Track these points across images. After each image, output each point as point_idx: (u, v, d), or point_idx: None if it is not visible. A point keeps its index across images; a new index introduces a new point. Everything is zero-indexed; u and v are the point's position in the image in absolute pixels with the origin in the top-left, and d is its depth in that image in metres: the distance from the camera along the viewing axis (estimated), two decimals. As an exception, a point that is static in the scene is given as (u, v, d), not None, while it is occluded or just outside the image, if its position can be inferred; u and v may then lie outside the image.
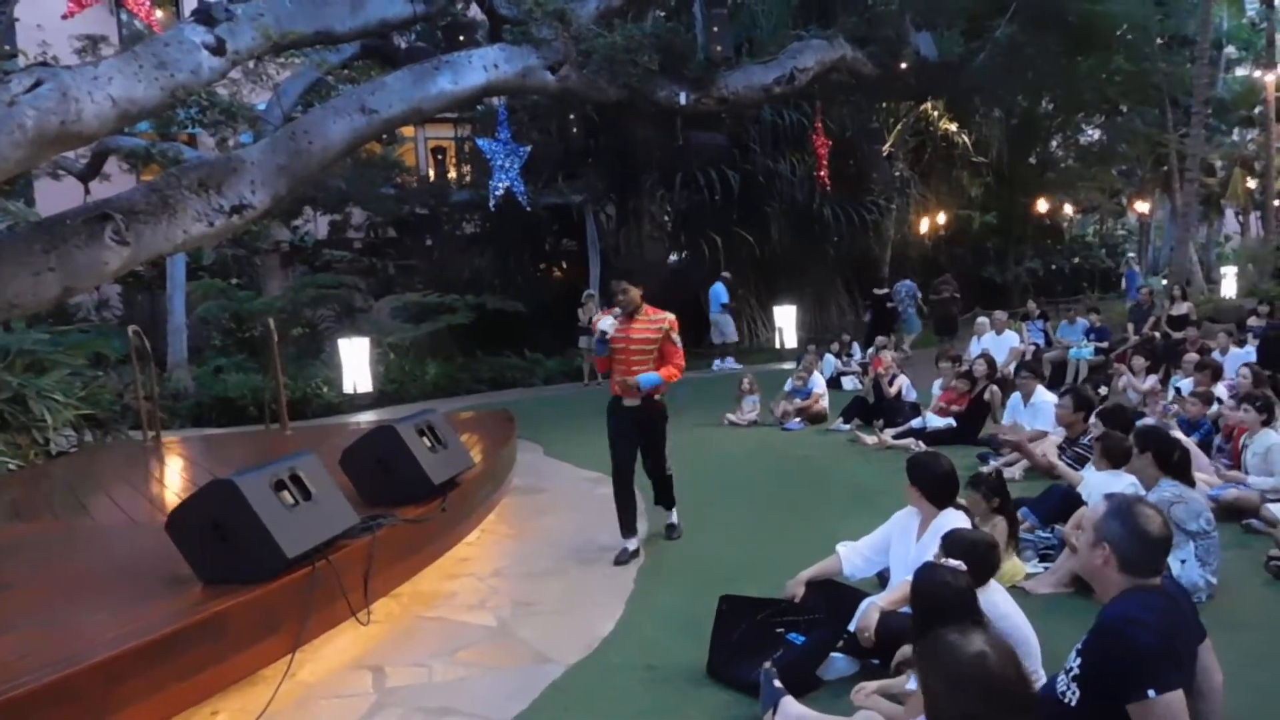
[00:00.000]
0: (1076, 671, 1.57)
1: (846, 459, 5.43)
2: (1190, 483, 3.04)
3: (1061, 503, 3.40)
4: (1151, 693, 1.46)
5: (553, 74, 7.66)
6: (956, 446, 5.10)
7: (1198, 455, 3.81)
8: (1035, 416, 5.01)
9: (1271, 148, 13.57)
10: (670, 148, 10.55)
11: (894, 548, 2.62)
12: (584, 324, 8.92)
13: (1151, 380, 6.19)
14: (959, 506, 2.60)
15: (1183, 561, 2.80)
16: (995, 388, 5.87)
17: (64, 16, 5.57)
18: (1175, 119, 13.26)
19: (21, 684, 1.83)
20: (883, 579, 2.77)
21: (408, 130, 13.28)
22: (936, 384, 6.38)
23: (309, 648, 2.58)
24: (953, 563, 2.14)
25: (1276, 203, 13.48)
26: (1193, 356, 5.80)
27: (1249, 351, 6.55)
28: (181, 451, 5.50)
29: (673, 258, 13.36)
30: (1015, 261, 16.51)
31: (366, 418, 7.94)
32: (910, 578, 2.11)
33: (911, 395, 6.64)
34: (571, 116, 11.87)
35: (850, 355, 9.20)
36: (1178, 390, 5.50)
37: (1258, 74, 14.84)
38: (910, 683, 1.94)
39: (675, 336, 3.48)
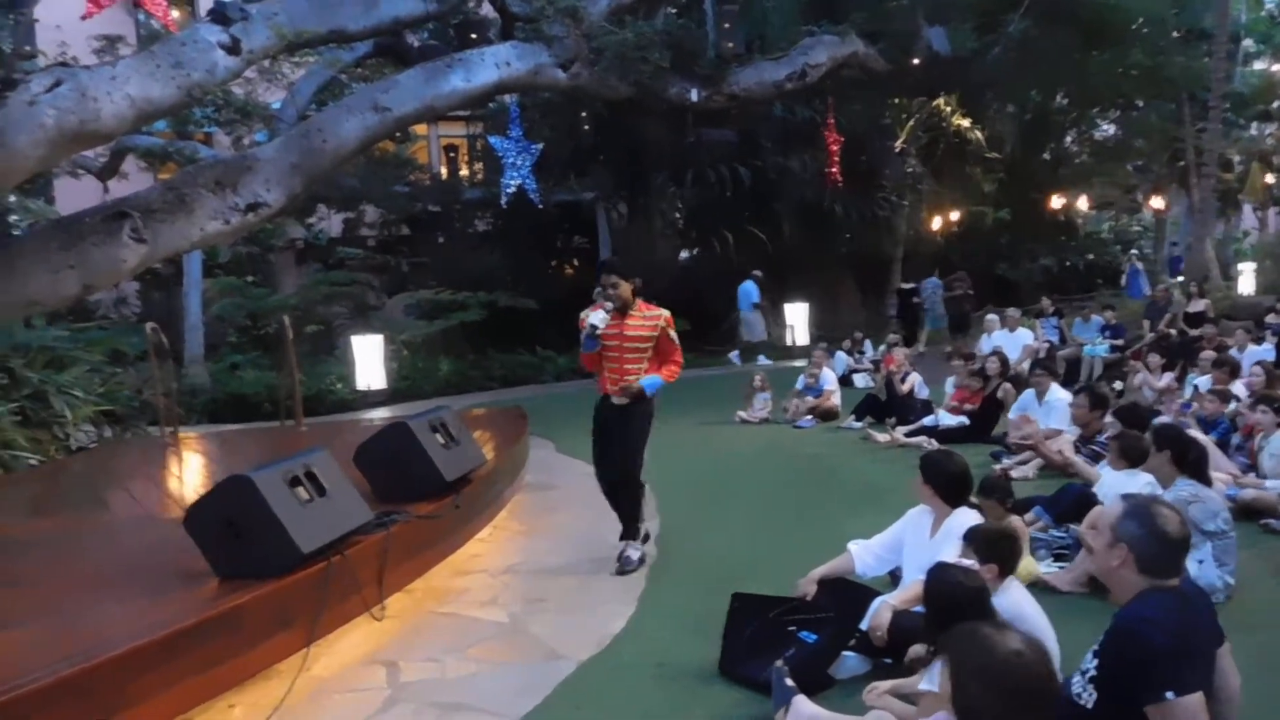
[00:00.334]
0: (1093, 673, 1.55)
1: (858, 457, 5.40)
2: (1207, 482, 3.00)
3: (1075, 502, 3.37)
4: (1170, 695, 1.44)
5: (564, 71, 7.67)
6: (969, 445, 5.05)
7: (1215, 454, 3.76)
8: (1050, 414, 4.96)
9: (1292, 142, 13.31)
10: (681, 145, 10.54)
11: (906, 546, 2.60)
12: None
13: (1167, 378, 6.10)
14: (972, 505, 2.59)
15: (1200, 562, 2.76)
16: (1009, 385, 5.82)
17: (83, 17, 5.65)
18: (1192, 113, 13.03)
19: (42, 676, 1.87)
20: (895, 578, 2.76)
21: (420, 128, 13.36)
22: (949, 382, 6.33)
23: (323, 642, 2.61)
24: (966, 562, 2.13)
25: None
26: (1210, 354, 5.72)
27: (1268, 349, 6.44)
28: (198, 447, 5.58)
29: (683, 255, 13.35)
30: (1029, 258, 16.32)
31: (379, 414, 8.00)
32: (923, 577, 2.10)
33: (924, 393, 6.60)
34: (583, 114, 11.88)
35: (862, 353, 9.16)
36: (1195, 388, 5.42)
37: (1276, 68, 14.55)
38: (923, 682, 1.92)
39: (673, 333, 3.34)
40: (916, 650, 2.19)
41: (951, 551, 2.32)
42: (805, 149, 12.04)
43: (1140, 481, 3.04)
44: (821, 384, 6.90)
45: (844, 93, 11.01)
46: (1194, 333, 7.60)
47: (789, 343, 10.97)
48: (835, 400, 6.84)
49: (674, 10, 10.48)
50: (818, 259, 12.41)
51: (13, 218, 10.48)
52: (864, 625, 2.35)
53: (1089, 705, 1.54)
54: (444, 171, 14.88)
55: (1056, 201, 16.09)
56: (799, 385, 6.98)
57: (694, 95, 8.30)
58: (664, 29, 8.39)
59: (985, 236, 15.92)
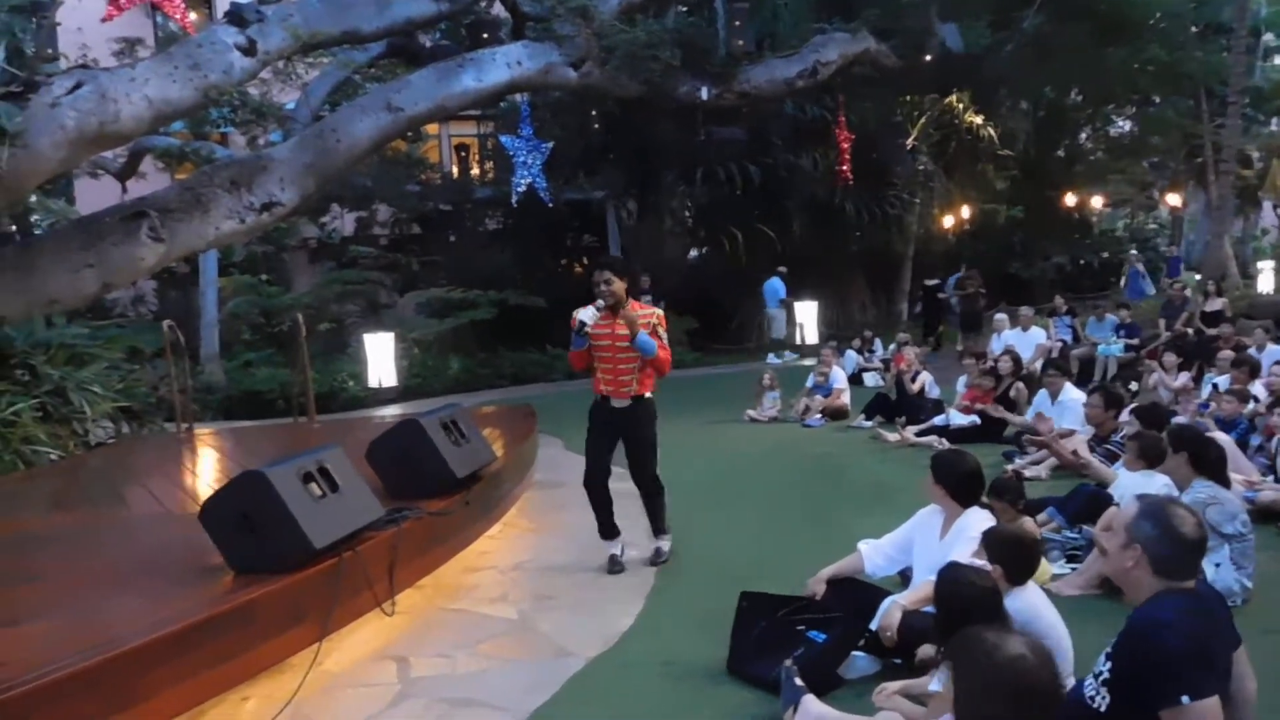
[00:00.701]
0: (1106, 676, 1.53)
1: (867, 456, 5.37)
2: (1225, 483, 2.96)
3: (1089, 503, 3.33)
4: (1185, 699, 1.42)
5: (575, 70, 7.68)
6: (981, 444, 5.01)
7: (1235, 455, 3.70)
8: (1063, 414, 4.90)
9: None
10: (691, 143, 10.50)
11: (917, 546, 2.59)
12: None
13: (1183, 378, 6.01)
14: (984, 505, 2.56)
15: (1217, 565, 2.72)
16: (1021, 385, 5.76)
17: (103, 20, 5.74)
18: (1210, 109, 12.80)
19: (60, 668, 1.90)
20: (905, 578, 2.74)
21: (432, 128, 13.43)
22: (960, 381, 6.28)
23: (335, 637, 2.63)
24: (978, 563, 2.11)
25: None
26: (1228, 354, 5.62)
27: (1289, 349, 6.32)
28: (213, 443, 5.65)
29: (693, 253, 13.32)
30: (1042, 256, 16.12)
31: (391, 412, 8.06)
32: (933, 577, 2.08)
33: (934, 392, 6.55)
34: (593, 113, 11.89)
35: (872, 351, 9.10)
36: (1214, 387, 5.34)
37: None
38: (933, 683, 1.91)
39: (662, 332, 3.30)
40: (926, 651, 2.18)
41: (963, 552, 2.31)
42: (816, 147, 11.97)
43: (1157, 483, 2.99)
44: (831, 382, 6.87)
45: (855, 90, 10.93)
46: (1211, 332, 7.48)
47: (798, 341, 10.93)
48: (845, 399, 6.81)
49: (684, 8, 10.46)
50: (828, 257, 12.34)
51: (34, 217, 10.68)
52: (874, 625, 2.33)
53: (1102, 708, 1.51)
54: (455, 170, 14.96)
55: (1071, 199, 15.88)
56: (809, 383, 6.95)
57: (704, 93, 8.28)
58: (674, 27, 8.38)
59: (998, 234, 15.75)
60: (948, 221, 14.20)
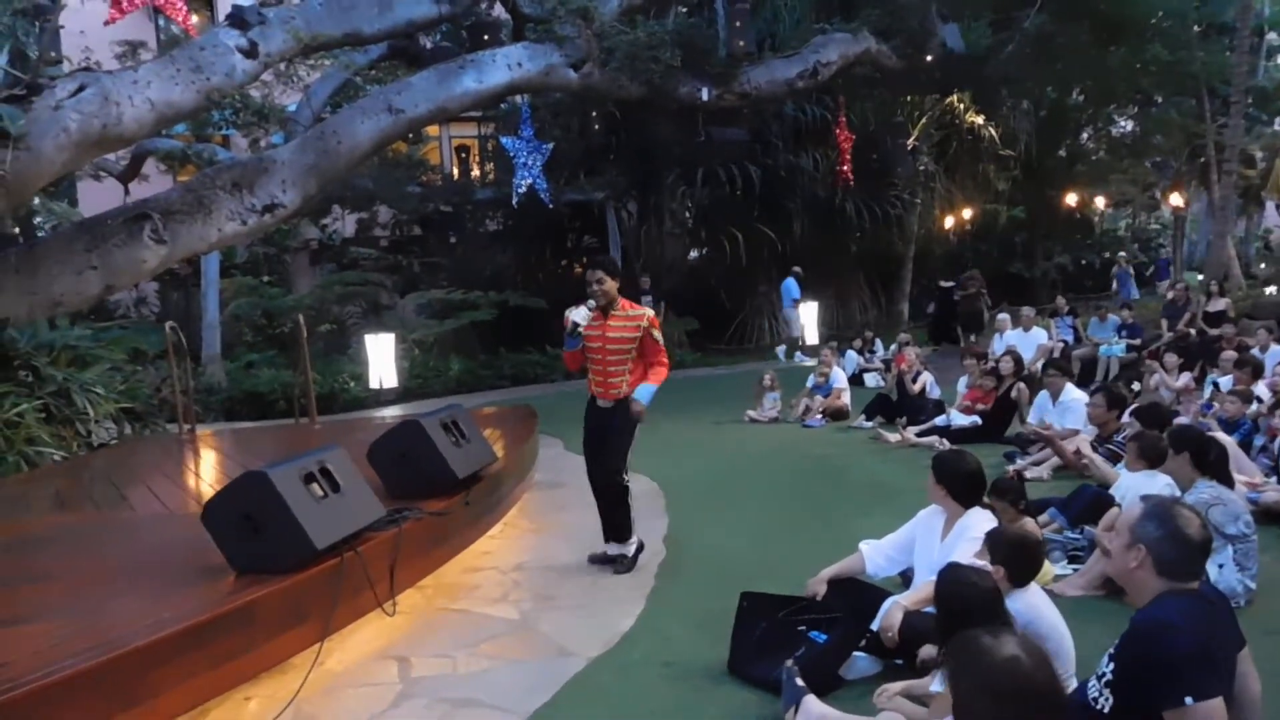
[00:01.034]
0: (1110, 677, 1.53)
1: (868, 457, 5.37)
2: (1229, 483, 2.95)
3: (1091, 503, 3.32)
4: (1189, 700, 1.41)
5: (575, 71, 7.70)
6: (982, 445, 5.00)
7: (1239, 456, 3.69)
8: (1065, 415, 4.90)
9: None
10: (691, 144, 10.52)
11: (918, 547, 2.58)
12: None
13: (1185, 378, 6.00)
14: (985, 505, 2.56)
15: (1220, 566, 2.72)
16: (1022, 385, 5.75)
17: (106, 23, 5.76)
18: (1213, 109, 12.78)
19: (62, 668, 1.91)
20: (906, 578, 2.74)
21: (432, 129, 13.45)
22: (961, 381, 6.27)
23: (336, 637, 2.64)
24: (979, 563, 2.11)
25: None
26: (1231, 354, 5.61)
27: (1293, 349, 6.30)
28: (215, 444, 5.66)
29: (693, 254, 13.33)
30: (1044, 256, 16.10)
31: (391, 412, 8.07)
32: (934, 577, 2.08)
33: (935, 392, 6.54)
34: (593, 114, 11.90)
35: (873, 352, 9.09)
36: (1216, 386, 5.32)
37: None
38: (934, 684, 1.91)
39: (656, 334, 3.29)
40: (928, 652, 2.18)
41: (964, 552, 2.31)
42: (816, 147, 11.98)
43: (1159, 483, 2.99)
44: (831, 383, 6.87)
45: (856, 90, 10.94)
46: (1214, 332, 7.46)
47: (801, 341, 10.94)
48: (845, 400, 6.81)
49: (685, 9, 10.48)
50: (829, 258, 12.35)
51: (37, 220, 10.71)
52: (875, 626, 2.33)
53: (1105, 710, 1.51)
54: (455, 172, 14.98)
55: (1072, 199, 15.86)
56: (809, 384, 6.95)
57: (705, 94, 8.29)
58: (675, 28, 8.39)
59: (999, 235, 15.74)
60: (949, 222, 14.20)
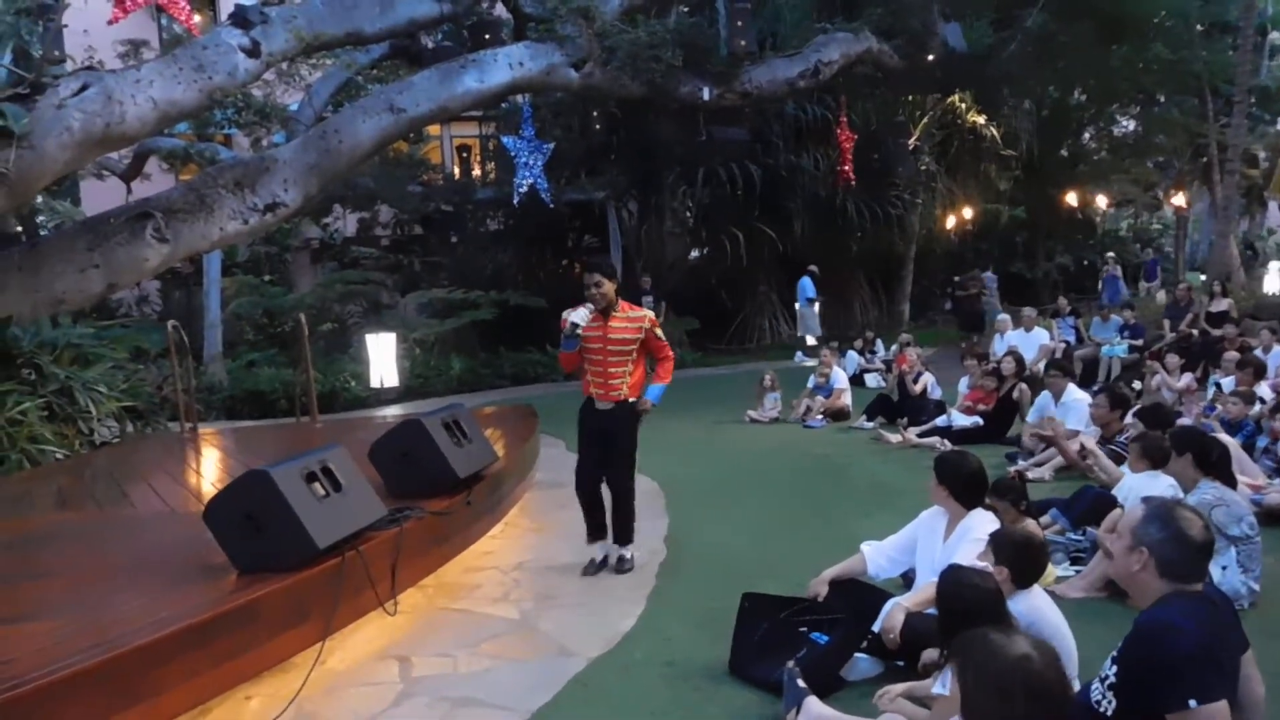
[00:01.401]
0: (1113, 680, 1.52)
1: (869, 457, 5.37)
2: (1231, 483, 2.95)
3: (1093, 505, 3.32)
4: (1194, 703, 1.40)
5: (576, 71, 7.70)
6: (983, 445, 5.00)
7: (1242, 457, 3.68)
8: (1066, 415, 4.89)
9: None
10: (692, 143, 10.51)
11: (920, 548, 2.58)
12: None
13: (1187, 378, 5.99)
14: (987, 507, 2.56)
15: (1224, 568, 2.71)
16: (1024, 386, 5.75)
17: (109, 22, 5.77)
18: (1216, 108, 12.75)
19: (65, 666, 1.91)
20: (907, 580, 2.74)
21: (434, 129, 13.46)
22: (963, 382, 6.27)
23: (338, 636, 2.64)
24: (981, 565, 2.11)
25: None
26: (1233, 355, 5.60)
27: (1295, 350, 6.28)
28: (217, 443, 5.67)
29: (694, 253, 13.32)
30: (1045, 257, 16.09)
31: (392, 412, 8.08)
32: (936, 579, 2.08)
33: (936, 393, 6.54)
34: (594, 113, 11.90)
35: (874, 352, 9.09)
36: (1218, 386, 5.31)
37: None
38: (936, 686, 1.91)
39: (658, 332, 3.32)
40: (930, 654, 2.18)
41: (966, 553, 2.31)
42: (817, 147, 11.97)
43: (1162, 484, 2.98)
44: (832, 383, 6.86)
45: (857, 90, 10.92)
46: (1216, 333, 7.45)
47: (799, 336, 10.94)
48: (846, 400, 6.81)
49: (686, 9, 10.47)
50: (829, 258, 12.34)
51: (40, 218, 10.72)
52: (876, 627, 2.33)
53: (1109, 712, 1.51)
54: (456, 171, 14.99)
55: (1074, 199, 15.83)
56: (810, 384, 6.95)
57: (706, 94, 8.29)
58: (676, 28, 8.38)
59: (1001, 235, 15.72)
60: (950, 222, 14.19)
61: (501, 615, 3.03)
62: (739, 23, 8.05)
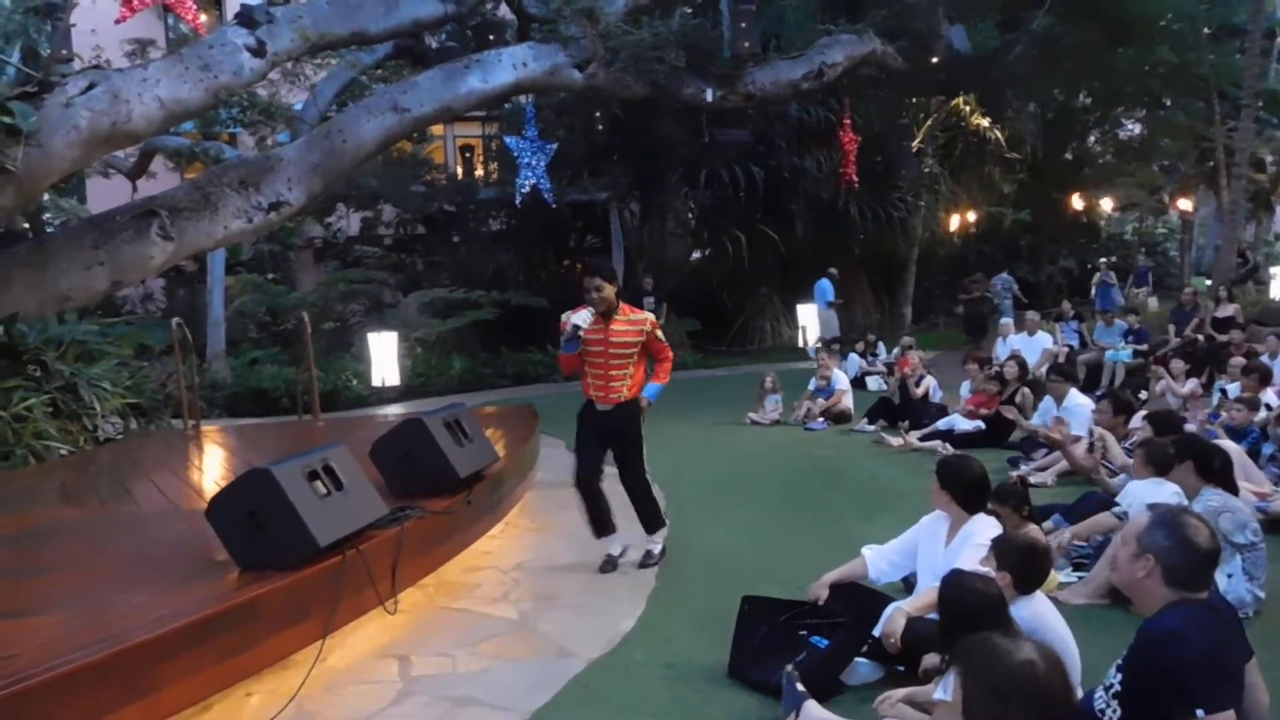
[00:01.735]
0: (1118, 688, 1.51)
1: (870, 460, 5.36)
2: (1233, 491, 2.93)
3: (1096, 510, 3.30)
4: (1200, 712, 1.39)
5: (580, 72, 7.70)
6: (985, 450, 4.99)
7: (1246, 464, 3.66)
8: (1069, 420, 4.87)
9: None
10: (695, 144, 10.52)
11: (921, 552, 2.57)
12: None
13: (1192, 384, 5.96)
14: (990, 512, 2.56)
15: (1229, 576, 2.69)
16: (1027, 390, 5.73)
17: (117, 21, 5.80)
18: (1223, 112, 12.71)
19: (67, 661, 1.92)
20: (908, 584, 2.74)
21: (437, 129, 13.47)
22: (965, 385, 6.26)
23: (338, 634, 2.65)
24: (983, 570, 2.11)
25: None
26: (1239, 360, 5.57)
27: (1300, 356, 6.25)
28: (220, 440, 5.69)
29: (696, 255, 13.32)
30: (1049, 260, 16.04)
31: (394, 410, 8.10)
32: (938, 584, 2.08)
33: (938, 396, 6.53)
34: (597, 114, 11.91)
35: (875, 355, 9.08)
36: (1223, 393, 5.29)
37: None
38: (938, 691, 1.91)
39: (659, 334, 3.37)
40: (931, 659, 2.17)
41: (968, 558, 2.30)
42: (820, 149, 11.95)
43: (1166, 491, 2.97)
44: (833, 385, 6.86)
45: (861, 92, 10.90)
46: (1222, 338, 7.42)
47: (800, 344, 10.93)
48: (847, 402, 6.80)
49: (690, 10, 10.47)
50: (831, 260, 12.33)
51: (47, 216, 10.77)
52: (877, 632, 2.33)
53: None
54: (459, 171, 15.01)
55: (1078, 202, 15.78)
56: (811, 387, 6.94)
57: (709, 95, 8.29)
58: (680, 29, 8.37)
59: (1004, 238, 15.68)
60: (953, 224, 14.16)
61: (501, 615, 3.04)
62: (743, 24, 8.05)
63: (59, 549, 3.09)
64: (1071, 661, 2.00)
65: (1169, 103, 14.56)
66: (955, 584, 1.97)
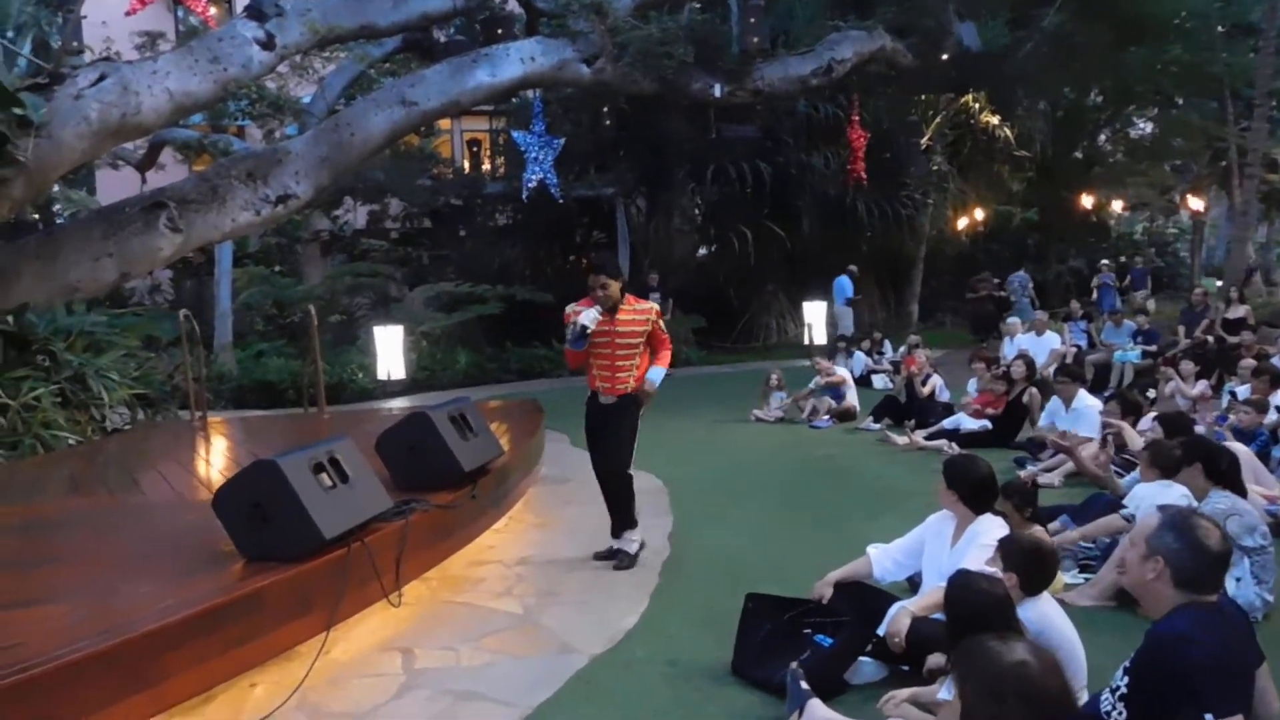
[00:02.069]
0: (1124, 691, 1.49)
1: (876, 459, 5.34)
2: (1241, 493, 2.91)
3: (1104, 512, 3.28)
4: (1209, 716, 1.38)
5: (588, 66, 7.68)
6: (992, 450, 4.96)
7: (1256, 467, 3.63)
8: (1077, 421, 4.84)
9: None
10: (702, 140, 10.47)
11: (927, 552, 2.56)
12: None
13: (1201, 385, 5.91)
14: (997, 512, 2.54)
15: (1238, 579, 2.67)
16: (1034, 390, 5.69)
17: (127, 13, 5.82)
18: (1236, 111, 12.56)
19: (74, 650, 1.93)
20: (913, 584, 2.72)
21: (444, 123, 13.47)
22: (971, 384, 6.22)
23: (342, 627, 2.65)
24: (989, 570, 2.09)
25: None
26: (1250, 362, 5.52)
27: (1312, 359, 6.18)
28: (226, 432, 5.72)
29: (702, 251, 13.29)
30: (1057, 260, 15.92)
31: (399, 404, 8.13)
32: (943, 584, 2.07)
33: (945, 395, 6.49)
34: (605, 109, 11.88)
35: (881, 353, 9.04)
36: (1233, 395, 5.24)
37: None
38: (942, 691, 1.90)
39: (661, 324, 3.41)
40: (936, 660, 2.16)
41: (975, 559, 2.29)
42: (829, 145, 11.89)
43: (1175, 493, 2.94)
44: (843, 390, 6.79)
45: (870, 88, 10.82)
46: (1232, 340, 7.35)
47: (806, 342, 10.90)
48: (852, 399, 6.76)
49: (699, 5, 10.41)
50: (838, 257, 12.28)
51: (56, 207, 10.83)
52: (881, 631, 2.32)
53: None
54: (466, 165, 15.01)
55: (1088, 201, 15.65)
56: (812, 385, 6.90)
57: (718, 91, 8.25)
58: (688, 24, 8.34)
59: (1012, 237, 15.58)
60: (961, 223, 14.07)
61: (504, 610, 3.04)
62: (751, 20, 8.01)
63: (66, 539, 3.12)
64: (1078, 664, 1.99)
65: (1181, 102, 14.40)
66: (962, 584, 1.96)
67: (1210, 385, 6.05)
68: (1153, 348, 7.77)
